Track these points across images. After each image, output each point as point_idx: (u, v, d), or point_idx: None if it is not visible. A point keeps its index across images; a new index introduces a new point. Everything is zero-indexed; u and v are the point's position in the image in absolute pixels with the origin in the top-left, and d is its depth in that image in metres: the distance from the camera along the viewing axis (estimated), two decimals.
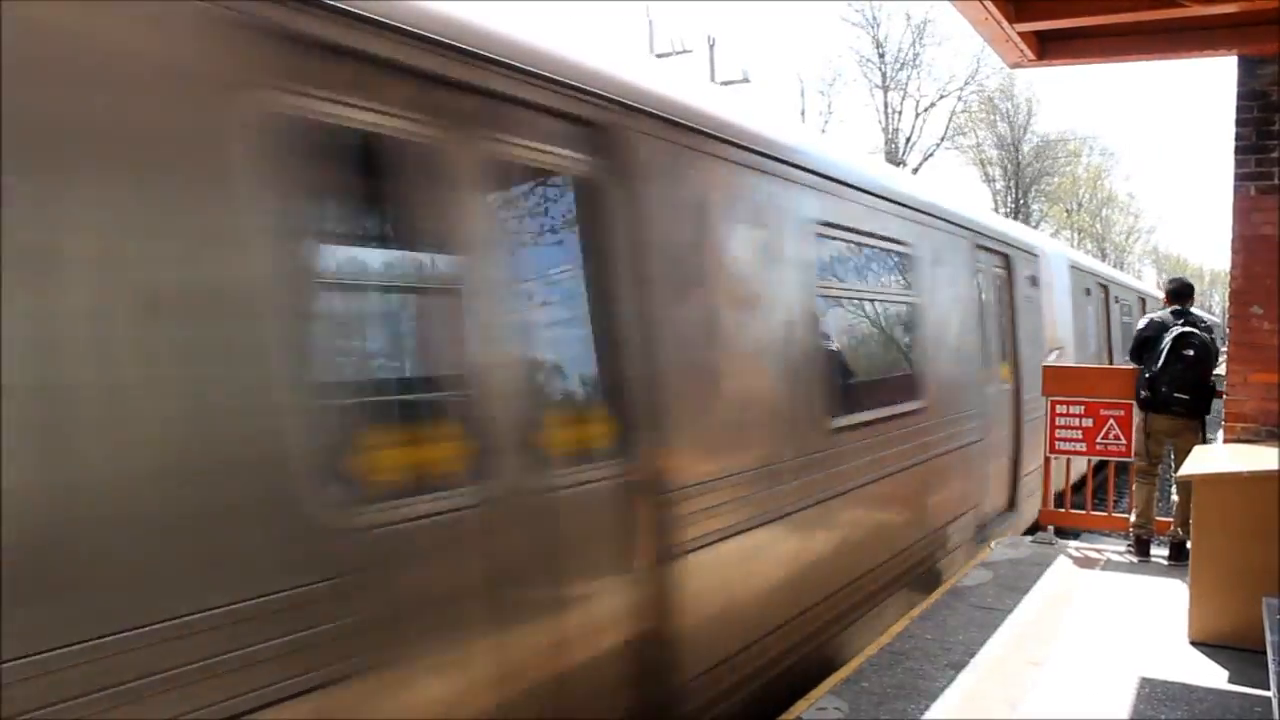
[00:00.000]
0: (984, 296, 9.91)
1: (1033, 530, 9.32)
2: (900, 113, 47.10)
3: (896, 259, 7.64)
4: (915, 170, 48.00)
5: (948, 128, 50.58)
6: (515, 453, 3.65)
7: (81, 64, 2.44)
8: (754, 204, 5.41)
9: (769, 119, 5.98)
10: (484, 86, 3.62)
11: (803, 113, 43.08)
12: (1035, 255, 12.51)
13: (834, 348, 6.50)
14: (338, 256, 3.54)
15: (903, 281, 7.74)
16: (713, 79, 37.06)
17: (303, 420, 2.91)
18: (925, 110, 47.82)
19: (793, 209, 5.82)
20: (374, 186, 3.52)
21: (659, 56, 34.79)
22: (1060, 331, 13.74)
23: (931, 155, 49.46)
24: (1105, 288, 18.76)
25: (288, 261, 2.96)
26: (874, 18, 46.16)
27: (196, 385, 2.65)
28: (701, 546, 4.65)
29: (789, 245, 5.74)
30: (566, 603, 3.86)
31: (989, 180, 62.53)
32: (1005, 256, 10.93)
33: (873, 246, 7.17)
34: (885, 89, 46.45)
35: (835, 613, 6.22)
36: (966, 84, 48.97)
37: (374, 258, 3.80)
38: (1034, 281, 12.19)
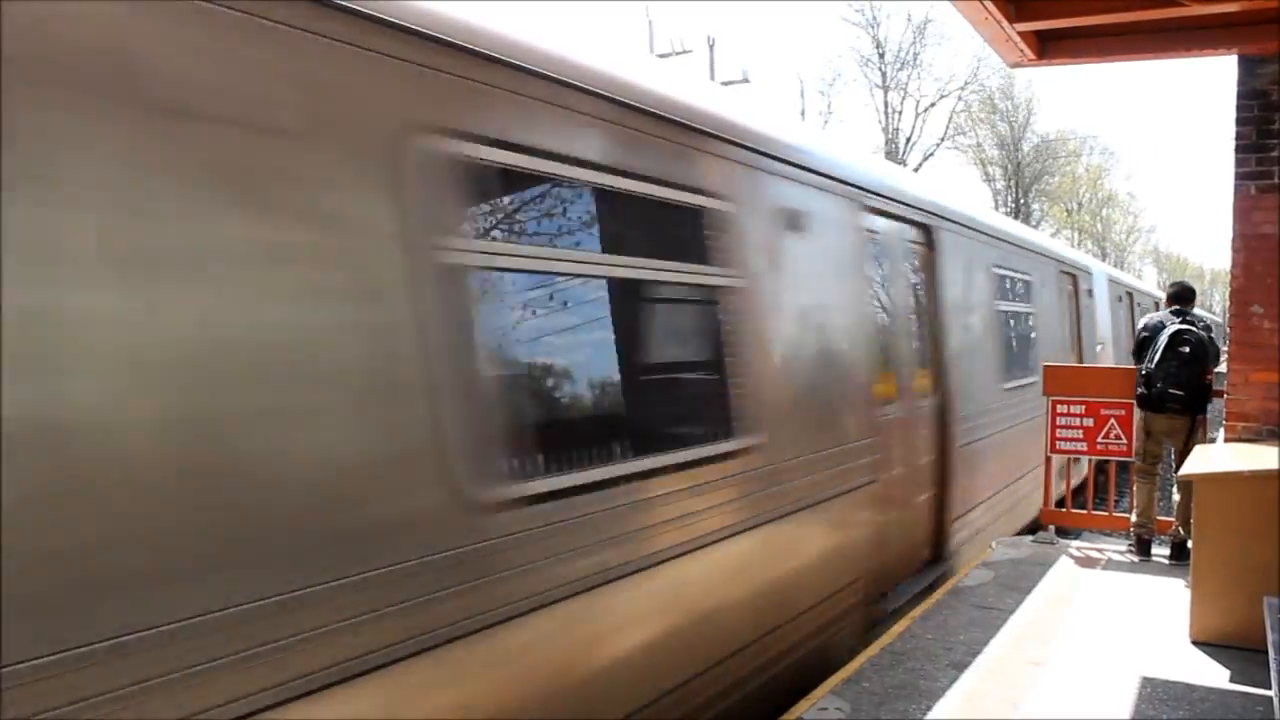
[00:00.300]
0: (1065, 306, 14.53)
1: (1033, 530, 9.31)
2: (900, 112, 47.17)
3: (1025, 286, 11.96)
4: (916, 170, 48.02)
5: (948, 127, 50.64)
6: None
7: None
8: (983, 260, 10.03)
9: (990, 213, 11.56)
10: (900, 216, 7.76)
11: (803, 113, 43.08)
12: (1090, 273, 17.26)
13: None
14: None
15: (1031, 301, 12.16)
16: (712, 79, 37.09)
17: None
18: (925, 110, 47.87)
19: (988, 259, 10.25)
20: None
21: (659, 57, 34.82)
22: (1102, 330, 17.55)
23: (932, 155, 49.52)
24: (1130, 294, 22.76)
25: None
26: (874, 17, 46.18)
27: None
28: None
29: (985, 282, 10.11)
30: None
31: (989, 180, 62.56)
32: (1075, 277, 15.56)
33: (1016, 280, 11.59)
34: (885, 89, 46.47)
35: None
36: (967, 84, 48.97)
37: None
38: (1090, 294, 16.66)
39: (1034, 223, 65.59)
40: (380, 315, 3.20)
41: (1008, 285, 11.21)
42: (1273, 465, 6.04)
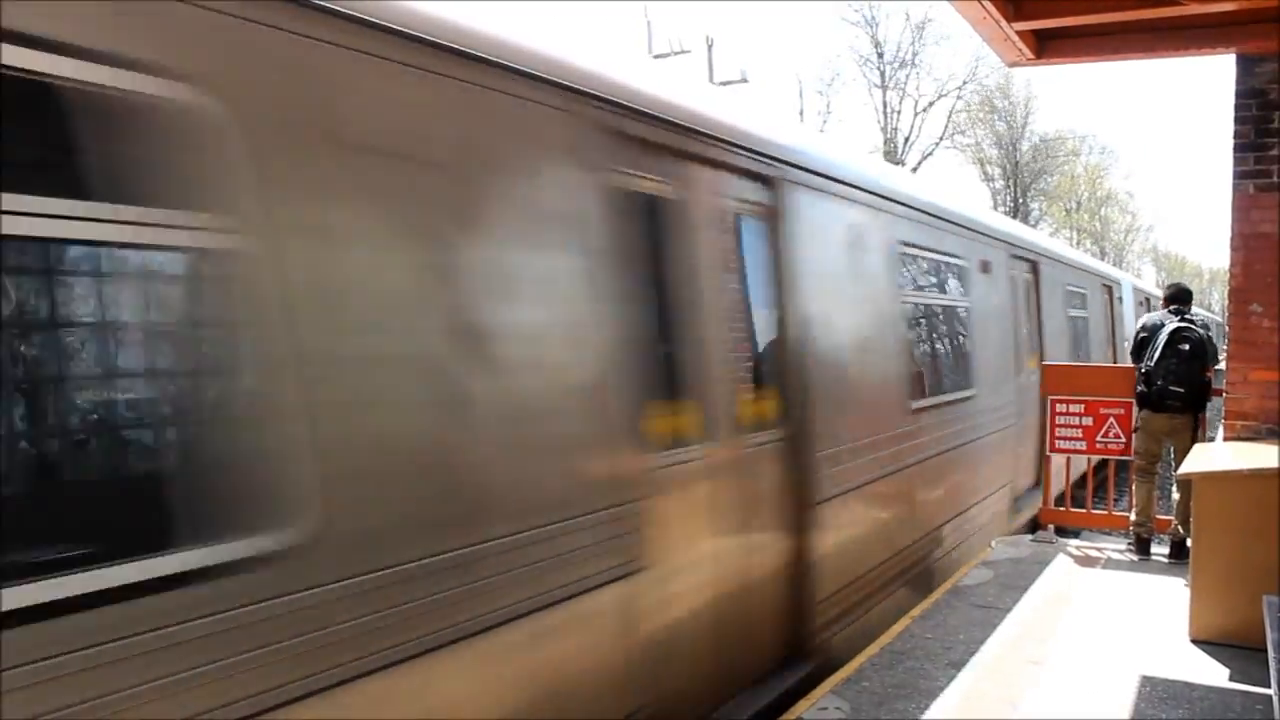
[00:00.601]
0: (1105, 313, 18.06)
1: (1033, 529, 9.31)
2: (899, 112, 47.14)
3: (1083, 299, 15.19)
4: (915, 170, 48.01)
5: (947, 127, 50.62)
6: None
7: None
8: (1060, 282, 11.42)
9: (1069, 249, 17.06)
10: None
11: (801, 112, 43.07)
12: (1120, 284, 21.42)
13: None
14: None
15: (1086, 309, 15.51)
16: (711, 79, 37.09)
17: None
18: (924, 109, 47.86)
19: (1063, 281, 12.08)
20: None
21: (657, 57, 34.82)
22: (1129, 331, 18.93)
23: (931, 154, 49.51)
24: (1149, 299, 26.23)
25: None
26: (873, 17, 46.20)
27: None
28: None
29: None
30: None
31: (988, 179, 62.54)
32: (1110, 288, 19.36)
33: (1078, 294, 14.85)
34: (884, 88, 46.47)
35: None
36: (965, 83, 48.98)
37: None
38: (1121, 301, 20.59)
39: (1032, 222, 65.58)
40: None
41: (1075, 301, 14.73)
42: (1272, 464, 6.04)
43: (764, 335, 5.77)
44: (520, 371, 3.82)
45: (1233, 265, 7.44)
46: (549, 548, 3.83)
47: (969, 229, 9.53)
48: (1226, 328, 7.56)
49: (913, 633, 6.36)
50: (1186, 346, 7.80)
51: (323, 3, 3.11)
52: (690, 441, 4.91)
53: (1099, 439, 8.63)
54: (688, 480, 4.88)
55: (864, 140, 49.38)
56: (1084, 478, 9.30)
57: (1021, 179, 61.57)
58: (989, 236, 10.26)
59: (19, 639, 2.32)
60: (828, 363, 6.25)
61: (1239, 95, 7.33)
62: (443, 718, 3.38)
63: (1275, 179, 7.22)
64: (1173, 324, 7.91)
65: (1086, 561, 8.04)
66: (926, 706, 5.19)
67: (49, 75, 2.46)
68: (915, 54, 46.56)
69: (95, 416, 2.71)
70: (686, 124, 5.00)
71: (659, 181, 4.83)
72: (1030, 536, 8.94)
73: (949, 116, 50.16)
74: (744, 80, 36.56)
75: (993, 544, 8.78)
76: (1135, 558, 8.13)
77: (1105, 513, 9.14)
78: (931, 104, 48.15)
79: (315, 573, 2.97)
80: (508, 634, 3.64)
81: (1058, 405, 8.80)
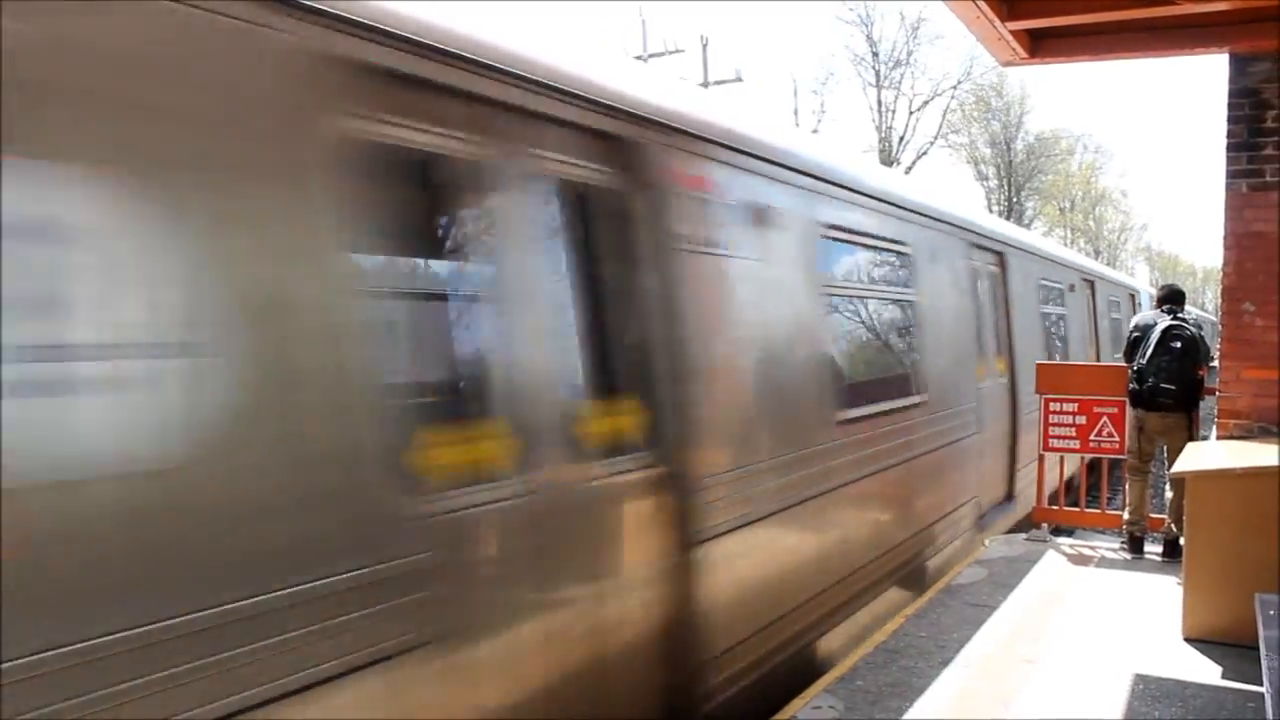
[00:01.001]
0: (1088, 311, 17.89)
1: (1027, 528, 9.32)
2: (894, 111, 47.16)
3: (1061, 295, 14.86)
4: (909, 169, 48.04)
5: (941, 126, 50.67)
6: None
7: None
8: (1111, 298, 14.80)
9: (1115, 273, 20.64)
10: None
11: (796, 111, 43.13)
12: (1139, 291, 25.45)
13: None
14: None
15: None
16: (705, 79, 37.09)
17: None
18: (919, 109, 47.88)
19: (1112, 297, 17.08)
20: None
21: (652, 56, 34.83)
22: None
23: (925, 153, 49.55)
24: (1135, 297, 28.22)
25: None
26: (868, 16, 46.24)
27: None
28: None
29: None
30: None
31: (982, 178, 62.64)
32: (1133, 295, 23.19)
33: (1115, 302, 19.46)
34: (879, 87, 46.50)
35: None
36: (960, 83, 49.03)
37: None
38: (1139, 308, 22.95)
39: (1027, 221, 65.66)
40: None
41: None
42: (1265, 462, 6.06)
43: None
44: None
45: (1226, 264, 7.47)
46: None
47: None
48: (1220, 326, 7.59)
49: (906, 631, 6.37)
50: (1179, 344, 7.83)
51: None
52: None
53: (1092, 438, 8.66)
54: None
55: (859, 139, 49.45)
56: (1074, 477, 9.31)
57: (1015, 178, 61.67)
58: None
59: None
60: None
61: (1232, 95, 7.35)
62: None
63: (1268, 178, 7.24)
64: (1165, 322, 7.94)
65: (1080, 560, 8.06)
66: (919, 705, 5.20)
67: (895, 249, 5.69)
68: (910, 53, 46.68)
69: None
70: (1128, 286, 8.04)
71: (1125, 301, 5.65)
72: (1024, 535, 8.96)
73: (943, 116, 50.22)
74: (739, 80, 36.61)
75: (986, 542, 8.79)
76: (1128, 556, 8.15)
77: (1099, 511, 9.16)
78: (926, 103, 48.19)
79: None
80: None
81: (1051, 404, 8.82)
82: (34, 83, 2.43)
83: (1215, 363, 8.75)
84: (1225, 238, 7.43)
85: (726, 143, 5.46)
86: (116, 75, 2.61)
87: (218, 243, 2.81)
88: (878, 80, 46.38)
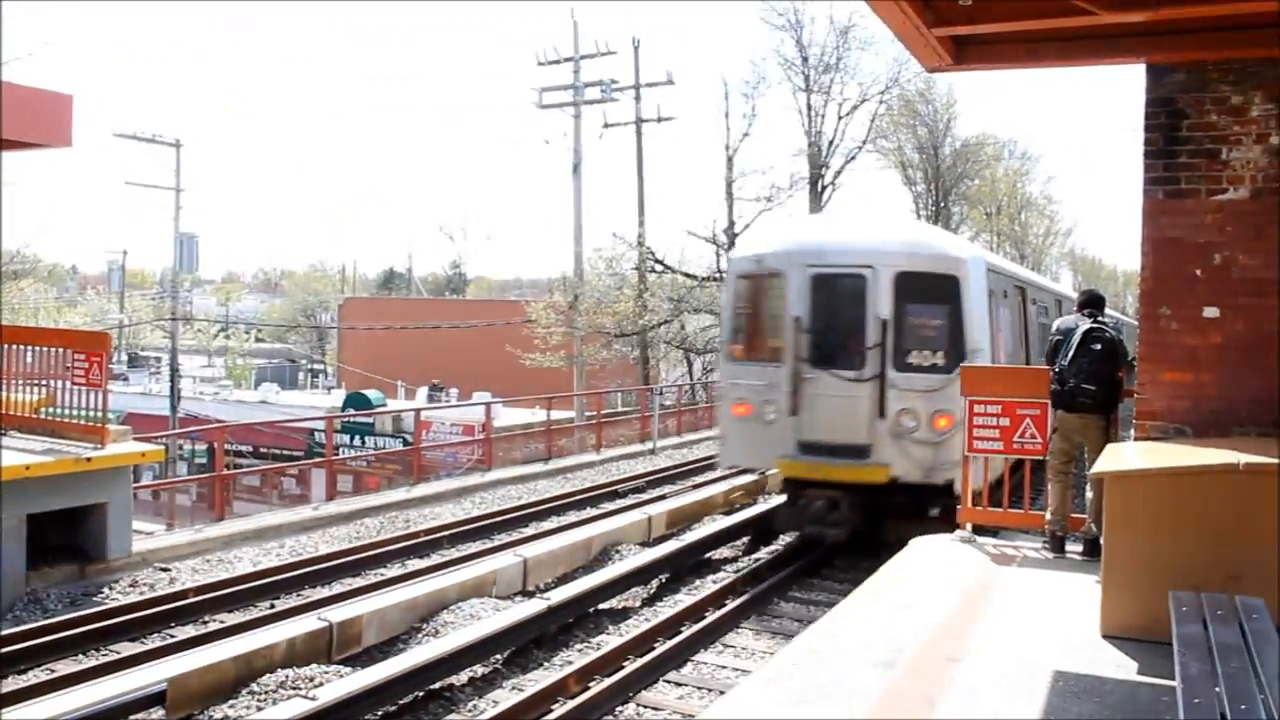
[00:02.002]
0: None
1: (952, 528, 9.43)
2: (823, 116, 47.46)
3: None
4: (838, 174, 48.42)
5: (870, 131, 51.09)
6: None
7: None
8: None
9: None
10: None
11: (727, 115, 43.27)
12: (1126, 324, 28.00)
13: None
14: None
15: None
16: (637, 81, 37.06)
17: None
18: (848, 113, 48.24)
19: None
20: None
21: (584, 57, 34.75)
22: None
23: (854, 158, 49.93)
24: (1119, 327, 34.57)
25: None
26: (797, 21, 46.47)
27: None
28: None
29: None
30: None
31: (910, 183, 63.35)
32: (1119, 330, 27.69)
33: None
34: (808, 92, 46.79)
35: None
36: (888, 88, 49.49)
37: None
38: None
39: (953, 226, 66.54)
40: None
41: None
42: (1181, 463, 6.20)
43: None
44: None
45: (1143, 269, 7.64)
46: None
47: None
48: (1138, 330, 7.76)
49: (833, 632, 6.41)
50: (1099, 346, 8.00)
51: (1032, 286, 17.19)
52: None
53: (1015, 439, 8.78)
54: None
55: (788, 143, 49.71)
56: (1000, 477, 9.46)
57: (943, 183, 62.47)
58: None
59: None
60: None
61: (1149, 104, 7.52)
62: None
63: (1183, 185, 7.42)
64: (1085, 325, 8.11)
65: (1003, 560, 8.18)
66: (846, 706, 5.23)
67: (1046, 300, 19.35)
68: (839, 58, 46.94)
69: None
70: (1026, 281, 17.39)
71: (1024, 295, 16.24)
72: (950, 536, 9.07)
73: (872, 121, 50.63)
74: (670, 82, 36.63)
75: (912, 543, 8.88)
76: (1050, 556, 8.29)
77: (1022, 512, 9.31)
78: (855, 108, 48.53)
79: None
80: None
81: (976, 406, 8.94)
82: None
83: (1135, 364, 8.95)
84: (1143, 243, 7.60)
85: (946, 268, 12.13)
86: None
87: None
88: (807, 85, 46.67)
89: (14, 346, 12.20)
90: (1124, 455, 7.07)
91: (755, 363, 12.61)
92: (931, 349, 11.82)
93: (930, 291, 11.83)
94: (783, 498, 13.22)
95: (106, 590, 10.64)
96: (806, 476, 12.00)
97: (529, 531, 14.51)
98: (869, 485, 11.66)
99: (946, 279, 11.75)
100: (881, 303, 11.73)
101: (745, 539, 13.58)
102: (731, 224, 42.04)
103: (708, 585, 11.18)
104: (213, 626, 9.64)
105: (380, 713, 7.38)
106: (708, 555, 12.63)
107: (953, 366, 10.81)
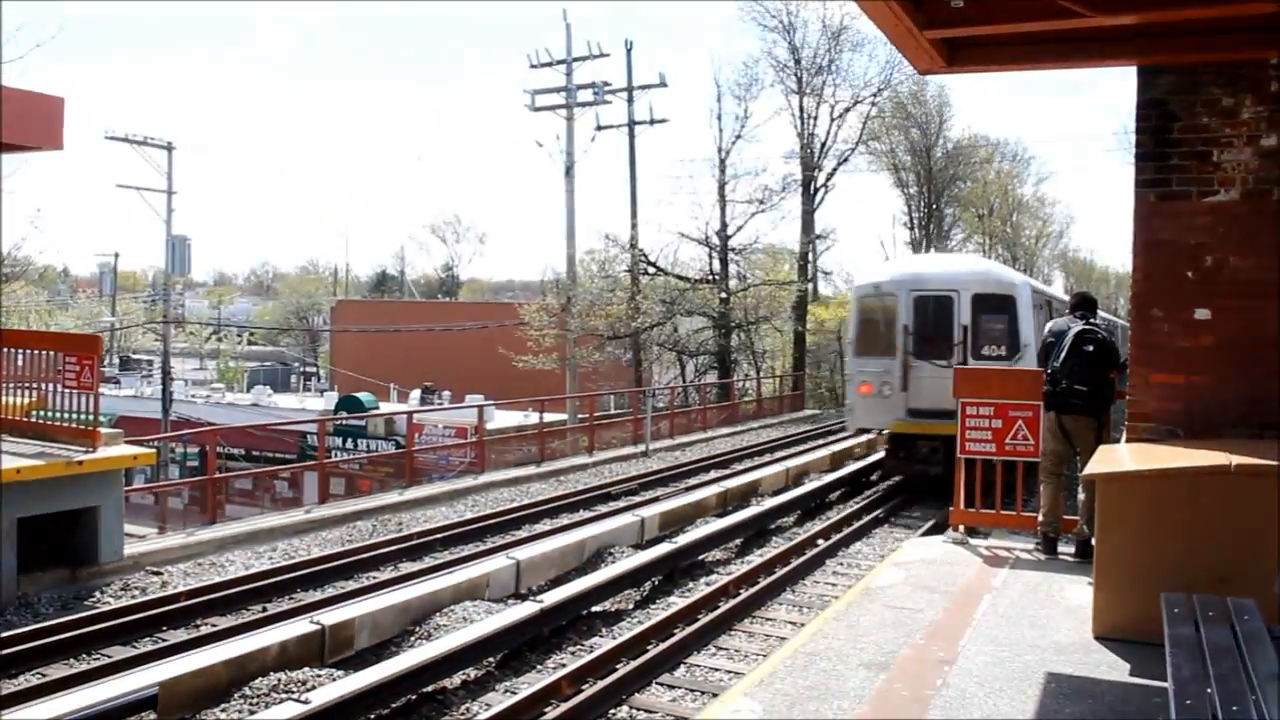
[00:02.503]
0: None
1: (944, 530, 9.45)
2: (815, 118, 47.53)
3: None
4: (830, 176, 48.45)
5: (862, 133, 51.16)
6: None
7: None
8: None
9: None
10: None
11: (719, 117, 43.34)
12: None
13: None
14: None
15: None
16: (629, 83, 37.10)
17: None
18: (840, 115, 48.30)
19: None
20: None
21: (576, 60, 34.76)
22: None
23: (846, 160, 50.00)
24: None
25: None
26: (790, 23, 46.53)
27: None
28: None
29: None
30: None
31: (902, 185, 63.43)
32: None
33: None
34: (801, 94, 46.84)
35: None
36: (881, 90, 49.57)
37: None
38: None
39: (945, 227, 66.63)
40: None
41: None
42: (1172, 465, 6.21)
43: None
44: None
45: (1135, 271, 7.65)
46: None
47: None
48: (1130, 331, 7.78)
49: (825, 634, 6.41)
50: (1091, 348, 8.04)
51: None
52: None
53: (1008, 441, 8.80)
54: None
55: (781, 145, 49.73)
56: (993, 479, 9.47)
57: (935, 185, 62.58)
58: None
59: None
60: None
61: (1140, 106, 7.54)
62: None
63: (1175, 187, 7.43)
64: (1078, 327, 8.15)
65: (995, 561, 8.19)
66: (838, 708, 5.24)
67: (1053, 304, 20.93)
68: (831, 60, 47.01)
69: None
70: (1053, 296, 20.48)
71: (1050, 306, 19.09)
72: (942, 537, 9.08)
73: (864, 123, 50.70)
74: (663, 84, 36.66)
75: (904, 545, 8.90)
76: (1042, 557, 8.30)
77: (1014, 513, 9.32)
78: (847, 110, 48.61)
79: None
80: None
81: (969, 408, 8.95)
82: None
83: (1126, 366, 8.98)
84: (1134, 245, 7.61)
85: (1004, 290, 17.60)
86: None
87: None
88: (799, 87, 46.72)
89: (5, 349, 12.17)
90: (1116, 457, 7.09)
91: (874, 356, 17.87)
92: (996, 344, 17.09)
93: (995, 306, 17.18)
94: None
95: (98, 594, 10.61)
96: (914, 432, 17.24)
97: (522, 534, 14.51)
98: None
99: (1006, 298, 17.25)
100: (963, 314, 17.23)
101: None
102: (724, 226, 42.09)
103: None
104: (204, 630, 9.62)
105: (373, 716, 7.36)
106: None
107: (1011, 356, 16.75)
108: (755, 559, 12.57)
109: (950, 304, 17.30)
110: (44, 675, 8.32)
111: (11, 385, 12.18)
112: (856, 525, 14.88)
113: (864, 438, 21.99)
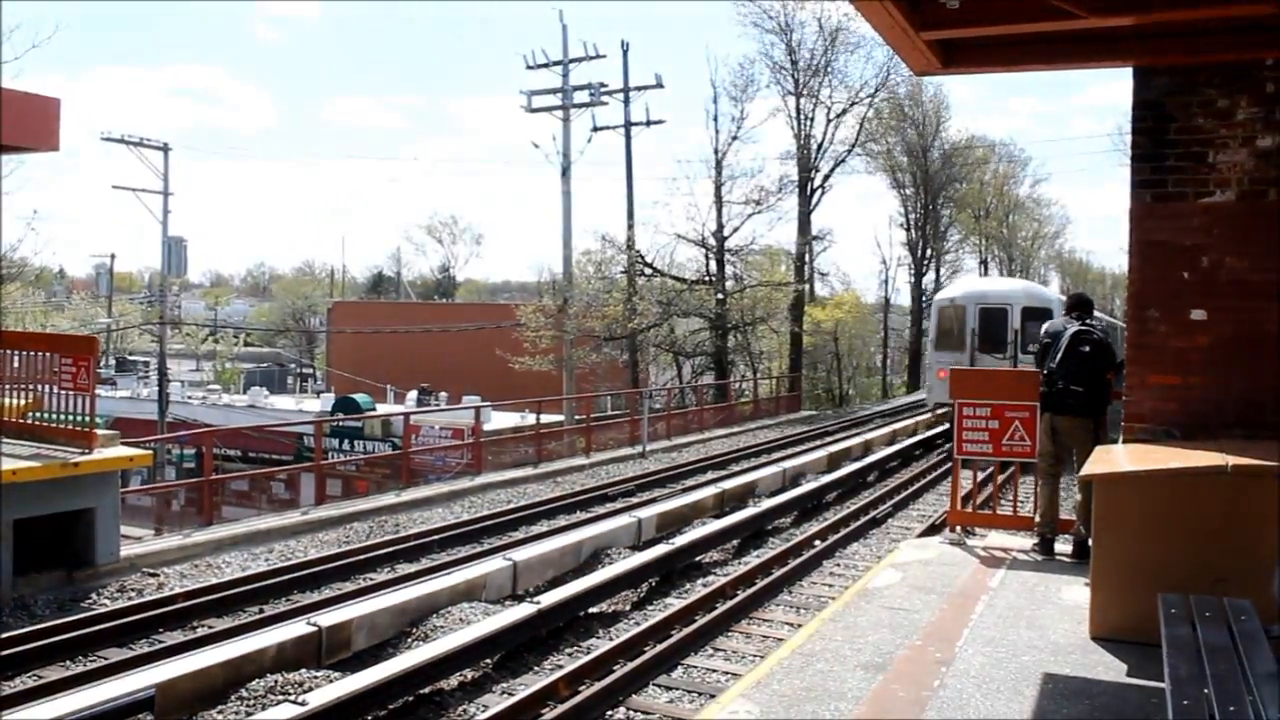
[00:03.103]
0: None
1: (941, 531, 9.46)
2: (812, 119, 47.55)
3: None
4: (827, 177, 48.48)
5: (859, 134, 51.19)
6: None
7: None
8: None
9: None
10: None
11: (715, 118, 43.34)
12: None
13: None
14: None
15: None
16: (626, 84, 37.10)
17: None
18: (837, 116, 48.33)
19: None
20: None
21: (573, 61, 34.77)
22: None
23: (843, 161, 50.04)
24: None
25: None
26: (786, 24, 46.55)
27: None
28: None
29: None
30: None
31: (899, 186, 63.49)
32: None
33: None
34: (798, 95, 46.87)
35: None
36: (877, 91, 49.60)
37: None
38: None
39: (942, 228, 66.71)
40: None
41: None
42: (1168, 465, 6.22)
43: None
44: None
45: (1131, 272, 7.67)
46: None
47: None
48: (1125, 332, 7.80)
49: (822, 635, 6.42)
50: (1087, 349, 8.06)
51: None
52: None
53: (1005, 442, 8.80)
54: None
55: (777, 146, 49.71)
56: (990, 479, 9.48)
57: (931, 186, 62.64)
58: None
59: None
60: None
61: (1136, 107, 7.55)
62: None
63: (1170, 188, 7.44)
64: (1074, 328, 8.16)
65: (992, 562, 8.20)
66: (835, 709, 5.24)
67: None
68: (828, 61, 47.03)
69: None
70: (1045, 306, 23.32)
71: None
72: (939, 538, 9.09)
73: (861, 124, 50.74)
74: (659, 85, 36.68)
75: (901, 546, 8.90)
76: (1039, 557, 8.31)
77: (1011, 514, 9.33)
78: (844, 111, 48.65)
79: None
80: None
81: (965, 409, 8.95)
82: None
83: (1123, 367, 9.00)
84: (1130, 246, 7.63)
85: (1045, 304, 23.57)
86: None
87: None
88: (796, 88, 46.74)
89: (1, 351, 12.16)
90: (1112, 457, 7.10)
91: (949, 351, 24.21)
92: (1037, 344, 19.97)
93: (1037, 316, 21.30)
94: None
95: (94, 595, 10.60)
96: None
97: (518, 535, 14.49)
98: None
99: (1045, 310, 22.16)
100: (1014, 321, 23.51)
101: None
102: (721, 227, 42.08)
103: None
104: (201, 632, 9.61)
105: (370, 717, 7.35)
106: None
107: None
108: (752, 560, 12.56)
109: (1005, 314, 23.78)
110: (41, 677, 8.31)
111: (8, 386, 12.18)
112: (854, 526, 14.87)
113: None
